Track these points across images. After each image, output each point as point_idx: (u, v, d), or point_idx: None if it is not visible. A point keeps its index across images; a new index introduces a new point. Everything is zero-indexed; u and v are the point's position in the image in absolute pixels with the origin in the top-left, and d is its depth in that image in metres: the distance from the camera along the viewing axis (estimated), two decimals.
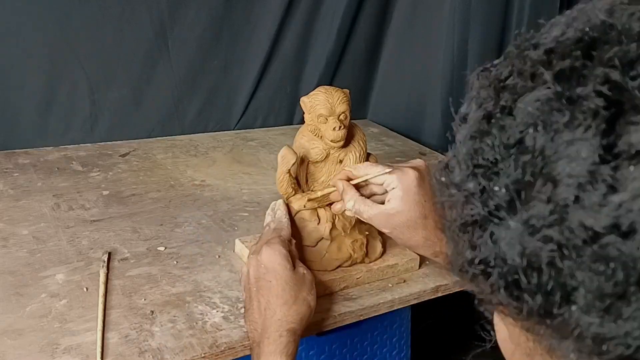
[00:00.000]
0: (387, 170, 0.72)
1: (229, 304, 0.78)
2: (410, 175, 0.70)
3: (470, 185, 0.30)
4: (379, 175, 0.72)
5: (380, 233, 0.89)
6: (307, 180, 0.84)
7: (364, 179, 0.74)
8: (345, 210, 0.75)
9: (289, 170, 0.78)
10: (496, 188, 0.29)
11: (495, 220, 0.29)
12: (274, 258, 0.69)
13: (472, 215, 0.30)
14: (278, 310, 0.66)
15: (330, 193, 0.79)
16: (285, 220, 0.78)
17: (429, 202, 0.70)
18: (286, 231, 0.76)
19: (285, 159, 0.77)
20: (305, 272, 0.72)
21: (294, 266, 0.71)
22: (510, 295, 0.30)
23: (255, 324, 0.67)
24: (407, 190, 0.70)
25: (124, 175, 1.18)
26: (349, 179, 0.76)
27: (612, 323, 0.27)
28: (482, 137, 0.30)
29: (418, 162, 0.75)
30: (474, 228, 0.30)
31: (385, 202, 0.71)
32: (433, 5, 1.61)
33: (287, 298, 0.67)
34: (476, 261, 0.30)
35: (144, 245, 0.91)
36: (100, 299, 0.76)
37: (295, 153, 0.77)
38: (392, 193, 0.71)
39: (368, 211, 0.71)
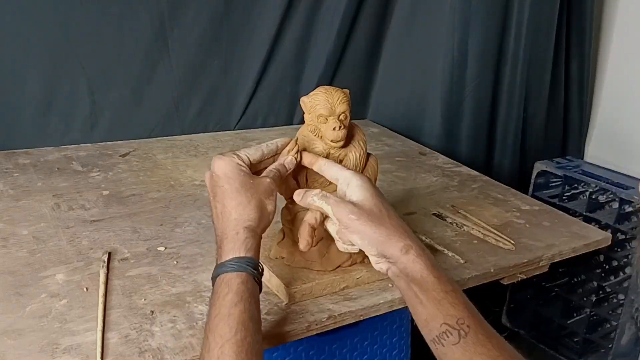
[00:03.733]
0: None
1: None
2: (360, 174, 0.71)
3: None
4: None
5: None
6: (307, 181, 0.84)
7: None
8: (314, 205, 0.71)
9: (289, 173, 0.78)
10: None
11: None
12: (224, 165, 0.70)
13: None
14: (233, 211, 0.68)
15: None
16: (261, 145, 0.76)
17: (384, 199, 0.70)
18: (251, 151, 0.74)
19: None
20: (267, 180, 0.71)
21: (252, 176, 0.71)
22: None
23: (217, 230, 0.69)
24: (364, 181, 0.70)
25: (124, 175, 1.18)
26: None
27: None
28: None
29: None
30: None
31: (346, 197, 0.69)
32: (433, 5, 1.61)
33: (241, 199, 0.68)
34: None
35: (144, 245, 0.91)
36: (100, 299, 0.76)
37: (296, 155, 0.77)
38: (350, 187, 0.69)
39: (334, 199, 0.69)
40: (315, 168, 0.75)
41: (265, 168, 0.75)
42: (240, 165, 0.71)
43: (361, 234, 0.67)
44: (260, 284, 0.67)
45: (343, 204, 0.68)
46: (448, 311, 0.62)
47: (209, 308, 0.63)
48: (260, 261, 0.69)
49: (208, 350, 0.59)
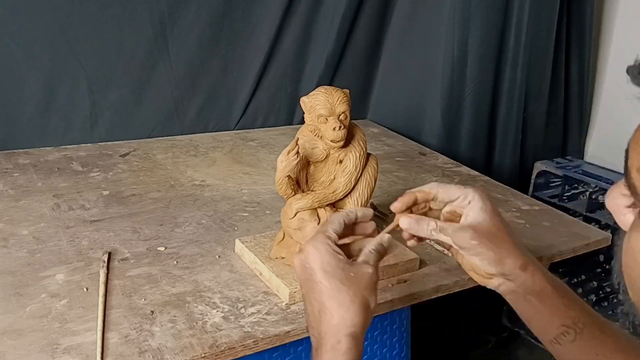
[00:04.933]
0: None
1: (229, 304, 0.78)
2: (480, 189, 0.67)
3: None
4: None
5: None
6: (307, 181, 0.84)
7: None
8: (430, 229, 0.66)
9: (289, 174, 0.79)
10: None
11: None
12: (319, 256, 0.61)
13: None
14: (334, 313, 0.58)
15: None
16: (340, 216, 0.68)
17: (501, 215, 0.67)
18: (335, 225, 0.66)
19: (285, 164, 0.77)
20: (369, 270, 0.62)
21: (350, 261, 0.63)
22: None
23: (312, 330, 0.61)
24: (484, 200, 0.66)
25: (124, 175, 1.18)
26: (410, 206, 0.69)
27: None
28: None
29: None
30: None
31: (463, 219, 0.66)
32: (433, 5, 1.61)
33: (343, 300, 0.59)
34: None
35: (144, 245, 0.91)
36: (100, 299, 0.76)
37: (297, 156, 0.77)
38: (470, 206, 0.66)
39: (452, 225, 0.65)
40: (432, 192, 0.69)
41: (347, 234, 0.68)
42: (337, 252, 0.62)
43: (481, 256, 0.65)
44: None
45: (462, 231, 0.65)
46: (566, 314, 0.65)
47: None
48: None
49: None
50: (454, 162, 1.41)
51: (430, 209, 0.70)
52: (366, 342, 0.85)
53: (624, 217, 0.41)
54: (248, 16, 1.45)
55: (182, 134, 1.44)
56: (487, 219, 0.65)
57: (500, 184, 1.28)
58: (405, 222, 0.67)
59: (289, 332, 0.74)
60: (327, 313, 0.59)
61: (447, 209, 0.69)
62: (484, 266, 0.65)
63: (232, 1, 1.41)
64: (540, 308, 0.65)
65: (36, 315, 0.73)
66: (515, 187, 1.27)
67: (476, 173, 1.34)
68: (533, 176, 1.79)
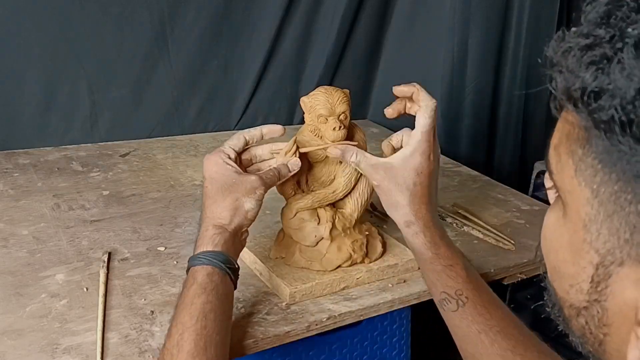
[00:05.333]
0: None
1: None
2: (429, 145, 0.72)
3: (601, 31, 0.31)
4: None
5: (380, 233, 0.89)
6: (307, 181, 0.84)
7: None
8: (351, 160, 0.75)
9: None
10: (630, 30, 0.30)
11: (620, 56, 0.29)
12: (210, 166, 0.72)
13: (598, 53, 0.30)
14: (207, 210, 0.71)
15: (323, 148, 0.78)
16: (240, 132, 0.79)
17: (427, 174, 0.72)
18: (234, 141, 0.77)
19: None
20: (251, 178, 0.72)
21: (240, 172, 0.73)
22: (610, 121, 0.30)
23: (199, 227, 0.72)
24: (416, 155, 0.71)
25: (124, 175, 1.18)
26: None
27: None
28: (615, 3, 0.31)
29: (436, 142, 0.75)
30: (599, 57, 0.30)
31: (392, 156, 0.73)
32: (433, 6, 1.60)
33: (216, 198, 0.71)
34: (593, 85, 0.30)
35: (144, 245, 0.91)
36: (100, 299, 0.76)
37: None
38: (403, 150, 0.73)
39: (366, 161, 0.73)
40: (413, 96, 0.74)
41: (253, 159, 0.79)
42: (227, 162, 0.73)
43: (380, 197, 0.74)
44: (233, 279, 0.68)
45: (372, 169, 0.73)
46: (446, 282, 0.70)
47: (176, 300, 0.65)
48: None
49: (169, 337, 0.61)
50: (454, 162, 1.41)
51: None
52: (366, 342, 0.85)
53: (553, 194, 0.41)
54: (248, 16, 1.45)
55: (182, 134, 1.44)
56: (402, 167, 0.71)
57: (500, 184, 1.28)
58: (333, 151, 0.76)
59: (289, 332, 0.74)
60: (204, 210, 0.71)
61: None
62: (380, 200, 0.74)
63: (232, 1, 1.41)
64: (422, 269, 0.74)
65: (36, 315, 0.73)
66: (515, 187, 1.27)
67: (476, 173, 1.34)
68: (533, 176, 1.79)
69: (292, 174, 0.77)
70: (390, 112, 0.77)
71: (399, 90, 0.76)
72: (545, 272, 0.40)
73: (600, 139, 0.31)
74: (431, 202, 0.73)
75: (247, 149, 0.79)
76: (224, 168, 0.72)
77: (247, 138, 0.78)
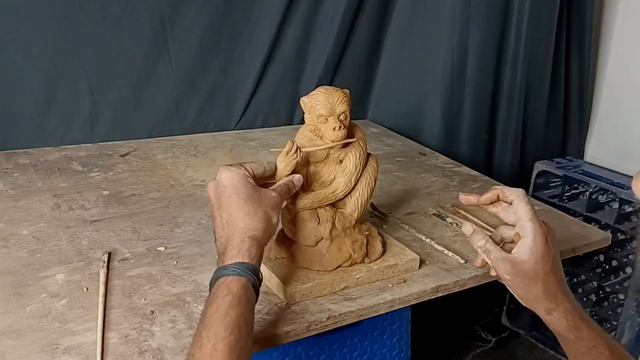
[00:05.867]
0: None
1: None
2: (544, 229, 0.71)
3: None
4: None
5: (380, 233, 0.89)
6: (307, 181, 0.84)
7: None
8: (478, 245, 0.74)
9: (289, 174, 0.79)
10: None
11: None
12: (231, 176, 0.72)
13: None
14: (239, 220, 0.70)
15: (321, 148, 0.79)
16: (266, 164, 0.78)
17: (553, 260, 0.71)
18: (256, 165, 0.76)
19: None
20: (273, 194, 0.73)
21: (259, 188, 0.73)
22: None
23: (221, 239, 0.70)
24: (537, 242, 0.70)
25: (124, 175, 1.18)
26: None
27: None
28: None
29: (547, 223, 0.75)
30: None
31: (513, 252, 0.72)
32: (433, 5, 1.60)
33: (248, 210, 0.70)
34: None
35: (144, 245, 0.91)
36: (100, 299, 0.76)
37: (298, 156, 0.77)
38: (522, 242, 0.71)
39: (496, 253, 0.72)
40: (509, 195, 0.74)
41: (265, 184, 0.77)
42: (247, 176, 0.73)
43: (512, 290, 0.73)
44: (258, 293, 0.68)
45: (502, 262, 0.71)
46: None
47: (206, 307, 0.64)
48: (260, 265, 0.69)
49: (200, 347, 0.61)
50: (454, 162, 1.41)
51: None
52: (366, 342, 0.85)
53: None
54: (248, 16, 1.45)
55: (182, 134, 1.44)
56: (530, 260, 0.70)
57: (500, 184, 1.27)
58: (467, 227, 0.74)
59: (289, 332, 0.74)
60: (233, 221, 0.70)
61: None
62: (515, 296, 0.73)
63: (232, 1, 1.41)
64: (566, 350, 0.73)
65: (36, 315, 0.73)
66: (515, 187, 1.27)
67: (476, 173, 1.34)
68: (533, 176, 1.79)
69: (297, 189, 0.78)
70: (482, 200, 0.76)
71: (485, 199, 0.76)
72: None
73: None
74: (564, 283, 0.73)
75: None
76: (247, 181, 0.72)
77: (267, 169, 0.77)
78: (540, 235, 0.70)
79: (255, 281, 0.67)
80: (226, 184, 0.71)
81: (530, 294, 0.71)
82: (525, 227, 0.71)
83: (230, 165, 0.74)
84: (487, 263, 0.74)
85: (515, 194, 0.73)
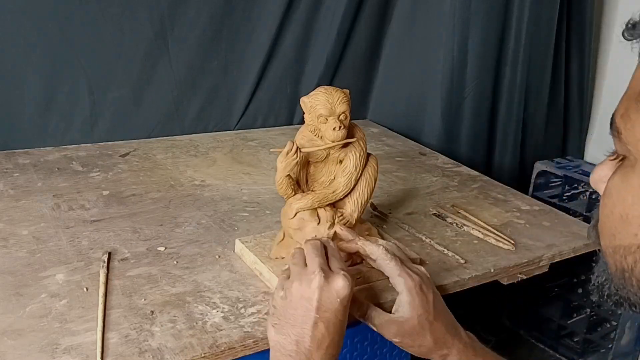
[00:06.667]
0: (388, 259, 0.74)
1: (229, 304, 0.78)
2: (414, 280, 0.71)
3: None
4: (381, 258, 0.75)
5: (380, 233, 0.89)
6: (307, 181, 0.84)
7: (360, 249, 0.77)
8: (361, 317, 0.74)
9: (289, 174, 0.79)
10: None
11: None
12: (346, 295, 0.66)
13: None
14: (330, 349, 0.65)
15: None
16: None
17: (434, 305, 0.71)
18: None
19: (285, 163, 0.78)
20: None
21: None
22: None
23: (304, 345, 0.64)
24: (413, 296, 0.70)
25: (124, 175, 1.18)
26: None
27: None
28: None
29: (420, 268, 0.76)
30: None
31: (394, 310, 0.72)
32: (433, 6, 1.60)
33: (338, 339, 0.66)
34: None
35: (144, 246, 0.91)
36: (100, 299, 0.76)
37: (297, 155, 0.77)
38: (399, 299, 0.71)
39: (378, 317, 0.72)
40: (371, 255, 0.76)
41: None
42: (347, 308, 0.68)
43: (405, 349, 0.72)
44: None
45: (387, 326, 0.71)
46: None
47: None
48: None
49: None
50: (454, 162, 1.41)
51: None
52: (366, 342, 0.85)
53: (604, 185, 0.45)
54: (248, 16, 1.45)
55: (182, 134, 1.44)
56: (413, 316, 0.70)
57: (500, 184, 1.28)
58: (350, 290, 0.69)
59: None
60: (326, 343, 0.64)
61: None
62: (411, 353, 0.73)
63: (232, 1, 1.41)
64: None
65: (36, 315, 0.73)
66: (515, 187, 1.27)
67: (476, 173, 1.34)
68: (533, 176, 1.79)
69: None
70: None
71: (347, 247, 0.78)
72: (600, 249, 0.46)
73: None
74: (451, 324, 0.73)
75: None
76: (347, 307, 0.67)
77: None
78: (414, 288, 0.70)
79: None
80: (339, 298, 0.65)
81: (423, 348, 0.71)
82: (396, 283, 0.72)
83: (347, 277, 0.67)
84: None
85: (377, 254, 0.74)
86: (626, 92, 0.44)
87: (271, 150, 0.81)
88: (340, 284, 0.65)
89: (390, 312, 0.72)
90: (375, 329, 0.72)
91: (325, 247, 0.73)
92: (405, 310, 0.70)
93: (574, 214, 1.60)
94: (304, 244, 0.74)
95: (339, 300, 0.65)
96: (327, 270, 0.67)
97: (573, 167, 1.78)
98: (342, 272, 0.67)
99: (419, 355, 0.73)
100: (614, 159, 0.44)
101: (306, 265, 0.69)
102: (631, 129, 0.41)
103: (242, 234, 0.96)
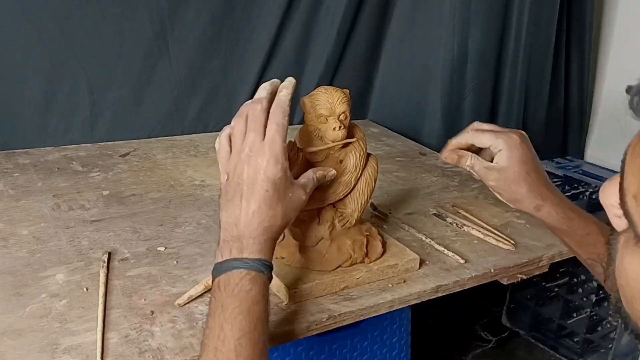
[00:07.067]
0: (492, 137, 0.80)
1: None
2: (515, 138, 0.79)
3: None
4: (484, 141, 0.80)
5: (380, 233, 0.89)
6: None
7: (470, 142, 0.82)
8: (466, 165, 0.81)
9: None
10: None
11: None
12: (276, 171, 0.67)
13: None
14: (267, 218, 0.67)
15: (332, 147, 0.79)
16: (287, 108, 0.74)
17: (531, 161, 0.78)
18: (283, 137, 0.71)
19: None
20: (302, 197, 0.71)
21: (292, 180, 0.70)
22: None
23: (238, 225, 0.67)
24: (512, 150, 0.77)
25: (124, 175, 1.18)
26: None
27: None
28: None
29: (518, 131, 0.82)
30: None
31: (494, 161, 0.79)
32: (433, 5, 1.60)
33: (277, 210, 0.68)
34: None
35: (144, 246, 0.91)
36: (100, 299, 0.76)
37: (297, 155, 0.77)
38: (500, 154, 0.78)
39: (480, 164, 0.79)
40: (469, 142, 0.81)
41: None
42: (287, 170, 0.69)
43: (500, 195, 0.80)
44: None
45: (488, 171, 0.79)
46: (588, 249, 0.77)
47: (225, 297, 0.62)
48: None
49: (223, 340, 0.60)
50: None
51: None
52: (366, 342, 0.85)
53: (618, 219, 0.42)
54: (248, 16, 1.45)
55: (182, 134, 1.44)
56: (510, 166, 0.77)
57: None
58: (449, 157, 0.82)
59: (288, 332, 0.74)
60: (261, 216, 0.66)
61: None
62: (507, 201, 0.80)
63: (232, 1, 1.41)
64: (562, 240, 0.81)
65: (36, 315, 0.73)
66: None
67: None
68: None
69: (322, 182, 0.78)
70: (449, 158, 0.83)
71: (456, 144, 0.83)
72: (627, 318, 0.42)
73: None
74: (547, 180, 0.80)
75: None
76: (287, 177, 0.68)
77: (315, 179, 0.75)
78: (513, 143, 0.78)
79: (270, 281, 0.67)
80: (269, 176, 0.66)
81: (517, 194, 0.78)
82: (496, 145, 0.78)
83: (276, 156, 0.68)
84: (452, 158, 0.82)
85: (469, 139, 0.81)
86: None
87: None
88: (265, 164, 0.66)
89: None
90: (475, 175, 0.80)
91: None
92: (504, 160, 0.77)
93: None
94: (249, 103, 0.74)
95: (262, 172, 0.66)
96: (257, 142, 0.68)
97: (573, 167, 1.78)
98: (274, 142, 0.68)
99: (513, 204, 0.80)
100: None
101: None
102: None
103: None
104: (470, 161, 0.80)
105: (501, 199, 0.81)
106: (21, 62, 1.23)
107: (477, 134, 0.81)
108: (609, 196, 0.42)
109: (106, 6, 1.27)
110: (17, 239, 0.90)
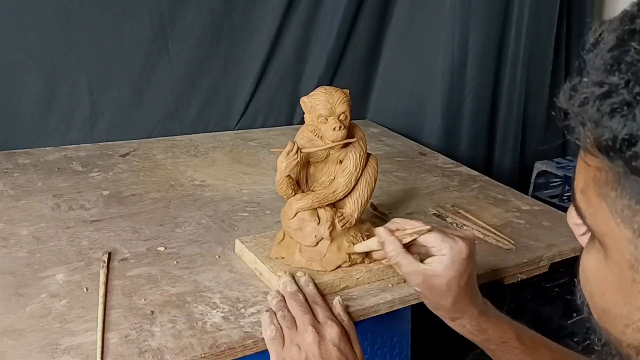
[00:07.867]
0: (426, 228, 0.73)
1: (229, 304, 0.78)
2: (462, 250, 0.70)
3: (614, 78, 0.31)
4: (422, 233, 0.73)
5: None
6: (307, 181, 0.84)
7: (408, 234, 0.74)
8: (386, 259, 0.76)
9: (289, 174, 0.79)
10: None
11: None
12: (343, 346, 0.68)
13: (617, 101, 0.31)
14: None
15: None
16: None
17: (467, 275, 0.71)
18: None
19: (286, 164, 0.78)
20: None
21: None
22: None
23: None
24: (454, 262, 0.70)
25: (124, 175, 1.18)
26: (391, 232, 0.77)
27: None
28: (624, 44, 0.32)
29: (469, 233, 0.76)
30: (619, 104, 0.31)
31: (426, 262, 0.72)
32: (433, 5, 1.60)
33: None
34: (623, 133, 0.31)
35: (144, 246, 0.91)
36: (100, 299, 0.76)
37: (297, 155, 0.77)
38: (439, 259, 0.71)
39: (407, 266, 0.72)
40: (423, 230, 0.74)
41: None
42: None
43: (420, 297, 0.75)
44: None
45: (414, 275, 0.72)
46: (505, 357, 0.73)
47: None
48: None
49: None
50: (454, 162, 1.41)
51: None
52: (366, 342, 0.85)
53: (581, 237, 0.41)
54: (248, 16, 1.45)
55: (182, 134, 1.44)
56: (444, 275, 0.70)
57: (500, 184, 1.28)
58: (382, 235, 0.76)
59: None
60: None
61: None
62: (427, 305, 0.75)
63: (232, 1, 1.41)
64: (478, 345, 0.76)
65: (36, 315, 0.73)
66: (515, 187, 1.27)
67: (476, 173, 1.34)
68: (533, 176, 1.79)
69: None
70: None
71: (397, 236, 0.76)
72: (590, 314, 0.40)
73: (636, 182, 0.32)
74: (474, 292, 0.73)
75: None
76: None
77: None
78: (457, 255, 0.70)
79: None
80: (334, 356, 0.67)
81: (438, 305, 0.72)
82: (440, 249, 0.71)
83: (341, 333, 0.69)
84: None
85: (424, 233, 0.73)
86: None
87: (272, 150, 0.81)
88: (332, 333, 0.68)
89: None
90: (400, 273, 0.74)
91: (305, 297, 0.75)
92: (439, 268, 0.70)
93: None
94: (287, 299, 0.74)
95: (335, 348, 0.67)
96: (317, 325, 0.70)
97: (573, 167, 1.77)
98: (329, 320, 0.70)
99: (430, 308, 0.74)
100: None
101: (295, 324, 0.71)
102: (593, 216, 0.36)
103: (242, 234, 0.96)
104: (396, 257, 0.73)
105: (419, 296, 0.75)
106: (21, 62, 1.23)
107: (433, 233, 0.73)
108: (573, 216, 0.41)
109: (106, 6, 1.27)
110: (17, 239, 0.90)
